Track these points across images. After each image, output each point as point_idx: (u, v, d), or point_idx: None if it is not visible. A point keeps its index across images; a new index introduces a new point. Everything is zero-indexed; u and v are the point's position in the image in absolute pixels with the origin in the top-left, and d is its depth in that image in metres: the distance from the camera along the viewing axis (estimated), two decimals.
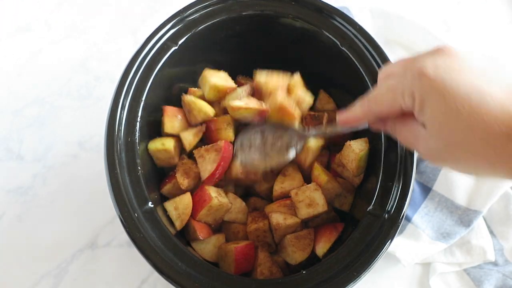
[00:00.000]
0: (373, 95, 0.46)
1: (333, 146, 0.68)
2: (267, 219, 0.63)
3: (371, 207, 0.54)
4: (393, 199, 0.54)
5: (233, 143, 0.63)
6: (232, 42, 0.70)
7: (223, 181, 0.65)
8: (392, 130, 0.47)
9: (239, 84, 0.68)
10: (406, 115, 0.44)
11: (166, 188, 0.63)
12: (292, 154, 0.59)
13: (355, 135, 0.67)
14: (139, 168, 0.55)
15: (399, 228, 0.52)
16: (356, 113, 0.48)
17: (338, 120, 0.51)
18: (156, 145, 0.62)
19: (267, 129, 0.60)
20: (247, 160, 0.60)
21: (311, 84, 0.70)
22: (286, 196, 0.64)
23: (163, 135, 0.64)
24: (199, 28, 0.63)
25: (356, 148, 0.61)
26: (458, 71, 0.38)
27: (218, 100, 0.66)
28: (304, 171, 0.67)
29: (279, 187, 0.65)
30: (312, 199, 0.61)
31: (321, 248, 0.60)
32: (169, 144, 0.62)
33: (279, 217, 0.61)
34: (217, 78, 0.65)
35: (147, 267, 0.68)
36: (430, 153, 0.42)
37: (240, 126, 0.65)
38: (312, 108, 0.71)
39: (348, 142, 0.62)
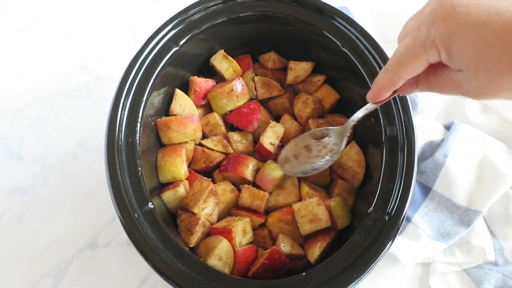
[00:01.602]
0: (395, 59, 0.45)
1: None
2: (266, 228, 0.64)
3: (371, 208, 0.54)
4: (393, 201, 0.54)
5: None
6: (233, 42, 0.70)
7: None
8: (428, 86, 0.46)
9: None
10: (435, 66, 0.43)
11: (167, 194, 0.62)
12: (336, 156, 0.60)
13: (355, 137, 0.68)
14: (139, 168, 0.55)
15: (399, 230, 0.52)
16: (383, 83, 0.47)
17: (368, 98, 0.50)
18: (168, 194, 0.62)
19: (309, 141, 0.62)
20: (294, 170, 0.62)
21: None
22: (277, 208, 0.65)
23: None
24: (200, 29, 0.63)
25: (358, 150, 0.61)
26: (467, 4, 0.38)
27: (236, 76, 0.69)
28: (302, 124, 0.70)
29: (273, 199, 0.65)
30: (315, 214, 0.60)
31: (313, 253, 0.60)
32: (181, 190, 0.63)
33: (286, 246, 0.61)
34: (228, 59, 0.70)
35: (147, 267, 0.67)
36: (477, 91, 0.41)
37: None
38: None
39: (352, 143, 0.63)
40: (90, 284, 0.72)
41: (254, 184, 0.66)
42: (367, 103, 0.51)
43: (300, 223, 0.61)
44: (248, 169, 0.65)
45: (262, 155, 0.68)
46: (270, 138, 0.67)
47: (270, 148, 0.67)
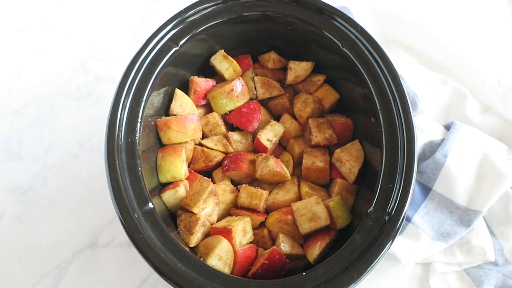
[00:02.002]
0: None
1: (334, 145, 0.68)
2: (266, 228, 0.64)
3: (371, 208, 0.54)
4: (393, 201, 0.54)
5: None
6: (233, 43, 0.70)
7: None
8: None
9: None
10: None
11: (167, 194, 0.62)
12: None
13: (356, 137, 0.68)
14: (139, 168, 0.55)
15: (399, 230, 0.52)
16: None
17: None
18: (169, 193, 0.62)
19: None
20: None
21: None
22: (278, 207, 0.65)
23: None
24: (200, 29, 0.63)
25: (360, 148, 0.61)
26: None
27: (236, 76, 0.69)
28: (301, 124, 0.70)
29: (272, 197, 0.65)
30: (314, 213, 0.60)
31: (313, 253, 0.60)
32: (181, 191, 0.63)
33: (286, 246, 0.61)
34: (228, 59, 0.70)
35: (147, 267, 0.68)
36: None
37: None
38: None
39: (355, 141, 0.65)
40: (90, 284, 0.73)
41: (257, 181, 0.67)
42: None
43: (299, 222, 0.61)
44: (251, 163, 0.65)
45: (258, 151, 0.68)
46: (268, 134, 0.67)
47: (267, 144, 0.67)
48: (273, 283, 0.51)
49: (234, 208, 0.65)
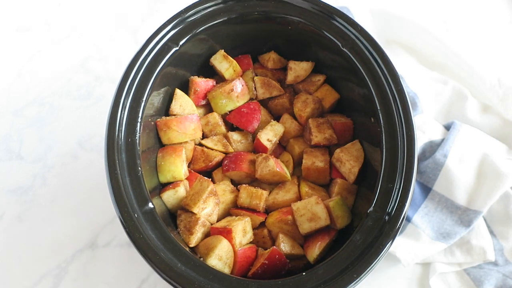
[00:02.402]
0: None
1: (334, 145, 0.68)
2: (266, 228, 0.64)
3: (371, 208, 0.54)
4: (393, 201, 0.54)
5: None
6: (233, 42, 0.70)
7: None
8: None
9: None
10: None
11: (167, 194, 0.62)
12: None
13: (356, 135, 0.68)
14: (139, 168, 0.55)
15: (399, 230, 0.52)
16: None
17: None
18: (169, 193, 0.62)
19: None
20: None
21: None
22: (277, 207, 0.65)
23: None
24: (200, 29, 0.63)
25: (360, 148, 0.61)
26: None
27: (236, 76, 0.69)
28: (301, 124, 0.70)
29: (272, 197, 0.65)
30: (314, 213, 0.60)
31: (313, 253, 0.60)
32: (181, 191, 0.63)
33: (286, 246, 0.61)
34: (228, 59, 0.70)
35: (147, 267, 0.67)
36: None
37: None
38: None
39: (355, 141, 0.65)
40: (90, 284, 0.73)
41: (257, 181, 0.67)
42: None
43: (299, 222, 0.61)
44: (251, 163, 0.66)
45: (258, 151, 0.68)
46: (268, 134, 0.68)
47: (267, 144, 0.67)
48: (273, 283, 0.51)
49: (234, 208, 0.65)
